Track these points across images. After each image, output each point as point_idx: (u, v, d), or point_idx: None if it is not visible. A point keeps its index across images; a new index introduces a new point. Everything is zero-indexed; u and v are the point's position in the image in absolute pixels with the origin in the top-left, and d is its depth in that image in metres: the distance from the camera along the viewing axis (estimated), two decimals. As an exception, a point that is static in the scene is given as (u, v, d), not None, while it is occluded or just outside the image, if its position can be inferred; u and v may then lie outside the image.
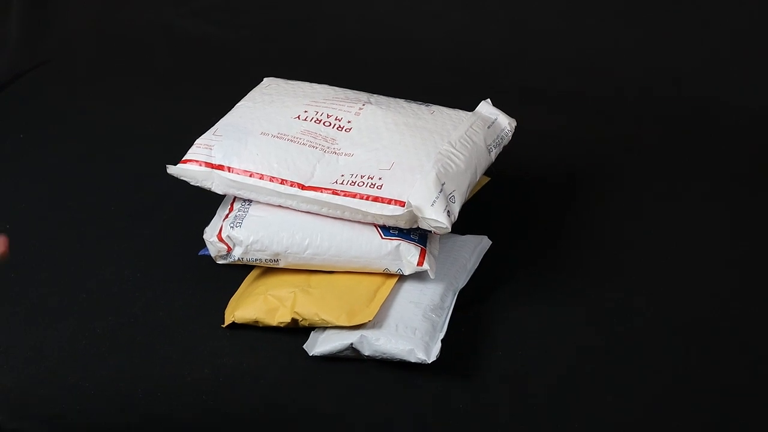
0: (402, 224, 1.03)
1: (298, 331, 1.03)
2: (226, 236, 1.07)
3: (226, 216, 1.09)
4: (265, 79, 1.27)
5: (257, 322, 1.04)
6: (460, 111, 1.17)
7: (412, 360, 0.97)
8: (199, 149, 1.11)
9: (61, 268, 1.14)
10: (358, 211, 1.04)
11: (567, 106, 1.48)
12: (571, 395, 0.97)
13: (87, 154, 1.38)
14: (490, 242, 1.13)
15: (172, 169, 1.11)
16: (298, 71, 1.34)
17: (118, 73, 1.63)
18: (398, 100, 1.19)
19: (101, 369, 0.99)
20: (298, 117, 1.14)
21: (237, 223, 1.07)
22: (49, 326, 1.05)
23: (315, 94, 1.19)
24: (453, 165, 1.07)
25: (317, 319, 1.01)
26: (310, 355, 1.00)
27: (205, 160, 1.09)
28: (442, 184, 1.03)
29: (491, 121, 1.17)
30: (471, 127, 1.13)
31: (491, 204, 1.22)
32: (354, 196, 1.04)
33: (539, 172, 1.31)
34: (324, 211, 1.06)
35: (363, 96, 1.19)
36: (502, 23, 1.61)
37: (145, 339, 1.04)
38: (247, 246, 1.06)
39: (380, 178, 1.05)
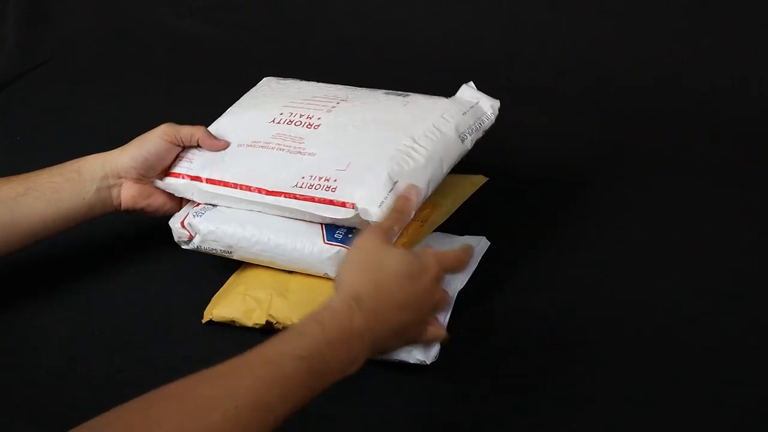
0: (359, 226, 1.03)
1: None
2: (187, 224, 1.10)
3: (197, 205, 1.12)
4: (263, 79, 1.27)
5: (234, 321, 1.04)
6: (438, 99, 1.15)
7: (411, 361, 0.97)
8: (182, 162, 1.13)
9: (59, 267, 1.14)
10: (315, 215, 1.04)
11: (568, 106, 1.47)
12: (571, 396, 0.97)
13: (86, 154, 1.37)
14: (489, 243, 1.13)
15: (159, 183, 1.13)
16: (297, 71, 1.34)
17: (118, 74, 1.62)
18: (378, 93, 1.18)
19: (98, 370, 0.99)
20: (273, 120, 1.14)
21: (200, 213, 1.10)
22: (46, 327, 1.05)
23: (298, 94, 1.19)
24: (411, 161, 1.05)
25: (290, 323, 1.01)
26: None
27: (186, 173, 1.12)
28: (394, 183, 1.03)
29: (470, 106, 1.14)
30: (442, 116, 1.11)
31: (489, 204, 1.21)
32: (311, 200, 1.04)
33: (538, 172, 1.31)
34: (287, 214, 1.06)
35: (343, 92, 1.19)
36: (502, 21, 1.60)
37: (143, 340, 1.04)
38: (204, 236, 1.09)
39: (335, 180, 1.05)
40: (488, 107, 1.15)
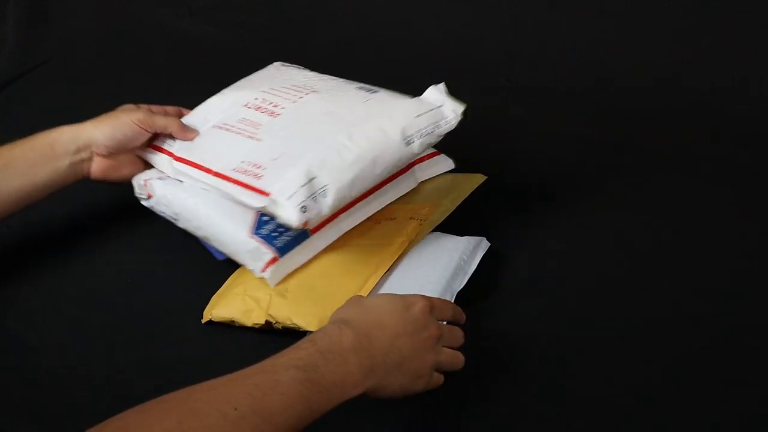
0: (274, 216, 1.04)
1: (299, 332, 1.02)
2: (149, 183, 1.14)
3: None
4: (273, 63, 1.28)
5: (233, 321, 1.04)
6: (401, 98, 1.13)
7: None
8: (167, 138, 1.16)
9: (58, 266, 1.14)
10: (239, 200, 1.05)
11: (568, 106, 1.47)
12: (569, 395, 0.97)
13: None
14: (489, 244, 1.13)
15: (145, 156, 1.17)
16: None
17: (118, 74, 1.62)
18: (352, 86, 1.17)
19: (98, 370, 0.99)
20: (246, 104, 1.16)
21: (162, 177, 1.14)
22: (46, 327, 1.05)
23: (284, 81, 1.20)
24: (338, 158, 1.04)
25: (289, 323, 1.01)
26: None
27: (167, 149, 1.15)
28: (311, 179, 1.01)
29: (429, 109, 1.10)
30: (391, 116, 1.08)
31: (489, 204, 1.21)
32: (241, 184, 1.05)
33: (538, 172, 1.31)
34: (226, 196, 1.07)
35: (322, 83, 1.18)
36: (502, 21, 1.60)
37: (142, 340, 1.04)
38: (158, 198, 1.14)
39: (265, 168, 1.05)
40: (450, 111, 1.11)
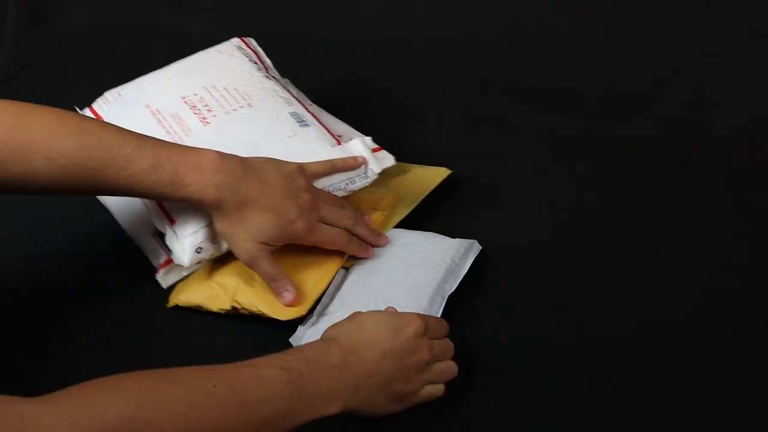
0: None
1: (292, 328, 1.02)
2: None
3: None
4: (232, 39, 1.26)
5: (200, 306, 1.05)
6: (325, 143, 1.10)
7: None
8: (104, 102, 1.16)
9: (56, 267, 1.14)
10: (149, 214, 1.07)
11: (567, 106, 1.46)
12: (569, 396, 0.96)
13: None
14: (480, 247, 1.12)
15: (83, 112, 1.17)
16: (297, 71, 1.35)
17: (118, 73, 1.62)
18: (287, 109, 1.13)
19: (96, 371, 0.99)
20: (184, 98, 1.13)
21: None
22: (42, 327, 1.05)
23: (230, 77, 1.17)
24: None
25: (255, 309, 1.02)
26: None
27: (100, 114, 1.14)
28: (206, 225, 1.03)
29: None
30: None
31: (483, 206, 1.21)
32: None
33: (537, 172, 1.30)
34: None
35: (262, 93, 1.14)
36: (502, 21, 1.60)
37: (139, 339, 1.04)
38: None
39: None
40: (368, 169, 1.10)
